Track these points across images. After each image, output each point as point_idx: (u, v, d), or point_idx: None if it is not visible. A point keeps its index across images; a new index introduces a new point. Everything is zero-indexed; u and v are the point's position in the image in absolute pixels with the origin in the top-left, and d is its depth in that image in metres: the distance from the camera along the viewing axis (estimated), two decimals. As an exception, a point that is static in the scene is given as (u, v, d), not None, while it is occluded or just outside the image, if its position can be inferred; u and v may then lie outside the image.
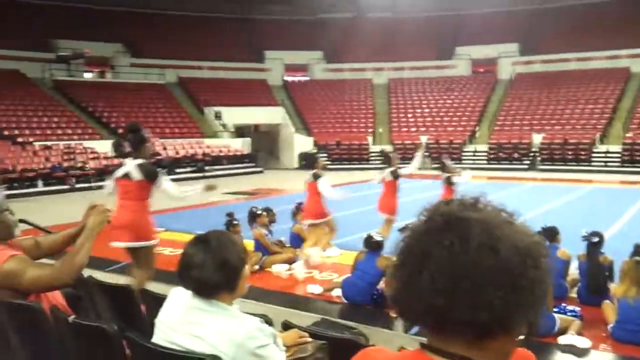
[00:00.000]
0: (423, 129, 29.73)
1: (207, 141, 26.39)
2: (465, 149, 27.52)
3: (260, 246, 7.50)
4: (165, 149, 24.01)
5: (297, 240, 7.93)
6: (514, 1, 34.78)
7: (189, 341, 1.85)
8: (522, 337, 0.90)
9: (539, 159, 25.27)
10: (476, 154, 27.22)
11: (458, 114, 30.86)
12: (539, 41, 34.47)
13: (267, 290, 6.46)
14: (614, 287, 5.35)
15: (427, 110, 31.75)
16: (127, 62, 31.46)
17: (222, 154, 25.49)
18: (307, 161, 7.96)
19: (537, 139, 26.27)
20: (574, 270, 6.34)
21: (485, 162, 26.56)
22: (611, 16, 31.15)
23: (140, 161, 5.12)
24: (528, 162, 25.20)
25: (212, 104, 29.43)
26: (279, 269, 7.27)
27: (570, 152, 24.89)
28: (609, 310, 5.25)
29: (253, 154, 27.23)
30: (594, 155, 24.77)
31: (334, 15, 37.75)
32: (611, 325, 5.08)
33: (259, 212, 7.73)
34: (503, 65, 33.64)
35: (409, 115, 31.55)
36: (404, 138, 28.81)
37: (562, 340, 4.92)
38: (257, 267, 7.25)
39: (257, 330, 1.83)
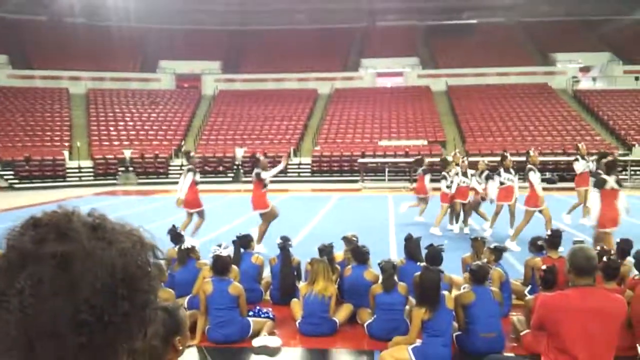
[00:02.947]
0: (127, 142, 28.43)
1: None
2: (172, 164, 27.30)
3: None
4: None
5: None
6: (218, 21, 36.14)
7: None
8: None
9: (242, 171, 26.57)
10: (183, 168, 27.16)
11: (164, 127, 30.45)
12: (239, 61, 36.49)
13: None
14: (301, 285, 5.73)
15: (130, 123, 30.49)
16: None
17: None
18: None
19: (240, 152, 27.63)
20: (268, 274, 6.64)
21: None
22: (304, 43, 34.91)
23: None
24: (232, 174, 26.27)
25: None
26: None
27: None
28: (296, 307, 5.60)
29: None
30: (290, 167, 27.19)
31: (22, 17, 33.54)
32: (298, 321, 5.42)
33: None
34: (206, 81, 34.60)
35: (111, 129, 29.84)
36: (105, 152, 27.06)
37: (255, 342, 5.04)
38: None
39: None
